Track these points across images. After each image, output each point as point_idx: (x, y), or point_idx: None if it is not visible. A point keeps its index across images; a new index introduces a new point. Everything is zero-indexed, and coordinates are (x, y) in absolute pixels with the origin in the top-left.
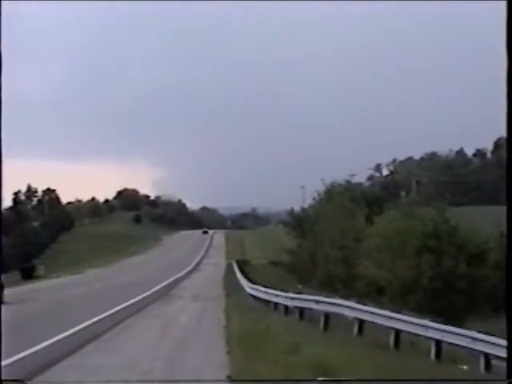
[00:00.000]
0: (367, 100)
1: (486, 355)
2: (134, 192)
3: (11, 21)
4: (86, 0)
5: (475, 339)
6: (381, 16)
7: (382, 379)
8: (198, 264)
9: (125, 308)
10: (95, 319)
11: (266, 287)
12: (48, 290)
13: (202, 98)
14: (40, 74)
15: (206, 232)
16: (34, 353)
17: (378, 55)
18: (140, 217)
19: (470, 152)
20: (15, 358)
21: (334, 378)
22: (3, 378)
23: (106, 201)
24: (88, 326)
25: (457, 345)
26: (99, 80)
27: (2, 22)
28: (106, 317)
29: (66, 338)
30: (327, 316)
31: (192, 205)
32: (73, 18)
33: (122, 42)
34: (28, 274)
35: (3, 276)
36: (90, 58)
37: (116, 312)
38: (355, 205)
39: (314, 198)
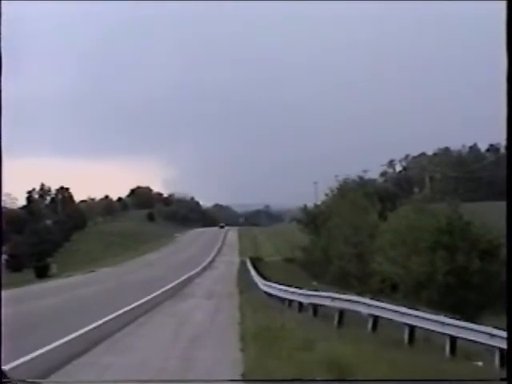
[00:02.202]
0: (380, 96)
1: (502, 351)
2: (147, 190)
3: (25, 21)
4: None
5: (493, 335)
6: (388, 14)
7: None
8: (211, 261)
9: (138, 306)
10: (107, 318)
11: (279, 284)
12: (61, 288)
13: (214, 96)
14: (53, 73)
15: (222, 227)
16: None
17: (389, 50)
18: (153, 215)
19: (483, 147)
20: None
21: (339, 378)
22: (11, 378)
23: (119, 199)
24: (99, 326)
25: (471, 340)
26: (112, 79)
27: (10, 22)
28: (118, 316)
29: (71, 340)
30: (341, 312)
31: (205, 202)
32: (85, 18)
33: (138, 41)
34: (42, 273)
35: (18, 275)
36: (103, 56)
37: (129, 310)
38: (368, 201)
39: (326, 195)
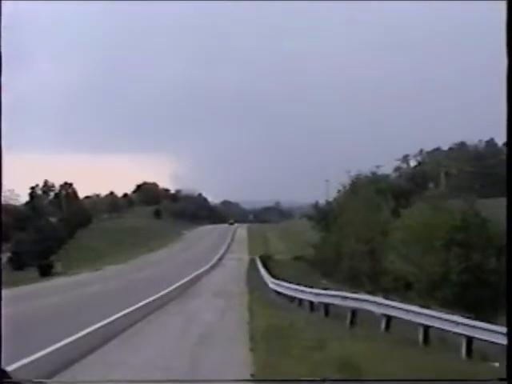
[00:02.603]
0: (393, 89)
1: None
2: (154, 186)
3: (30, 17)
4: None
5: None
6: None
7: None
8: (219, 259)
9: (145, 305)
10: (115, 317)
11: (289, 282)
12: (67, 287)
13: (223, 90)
14: (58, 67)
15: (231, 223)
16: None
17: (403, 44)
18: (160, 211)
19: (500, 142)
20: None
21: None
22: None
23: (125, 195)
24: (110, 323)
25: (487, 341)
26: (119, 73)
27: (14, 21)
28: (126, 314)
29: (76, 339)
30: (354, 312)
31: (213, 199)
32: (92, 16)
33: (146, 37)
34: (46, 271)
35: (21, 273)
36: (110, 51)
37: (136, 309)
38: (381, 197)
39: (338, 191)
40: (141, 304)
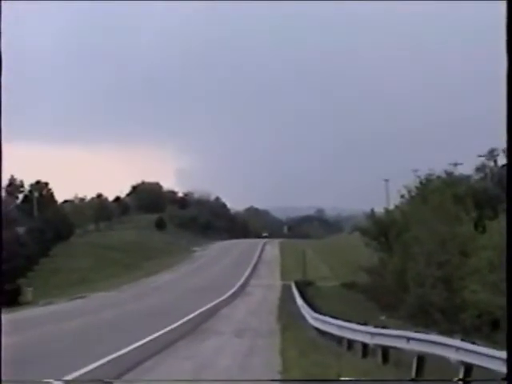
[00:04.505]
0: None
1: None
2: (156, 186)
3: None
4: None
5: None
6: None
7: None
8: (243, 286)
9: (143, 346)
10: (89, 368)
11: (336, 318)
12: (37, 321)
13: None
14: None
15: (264, 237)
16: None
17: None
18: (164, 221)
19: None
20: None
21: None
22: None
23: (117, 198)
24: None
25: None
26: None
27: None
28: (114, 360)
29: None
30: (421, 358)
31: (234, 205)
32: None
33: (144, 21)
34: (11, 299)
35: None
36: (102, 32)
37: (130, 352)
38: (460, 206)
39: (402, 196)
40: (136, 345)
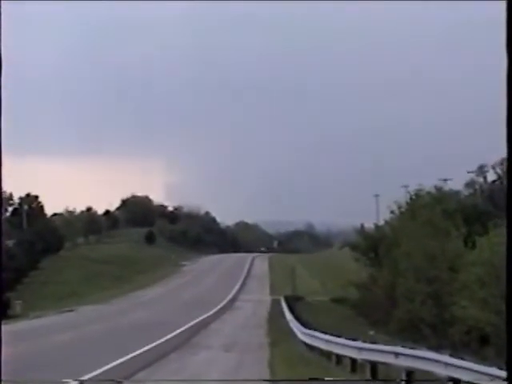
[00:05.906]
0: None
1: None
2: (146, 200)
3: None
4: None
5: None
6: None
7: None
8: (232, 300)
9: (132, 360)
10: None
11: (325, 333)
12: (27, 334)
13: (241, 85)
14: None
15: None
16: None
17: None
18: (154, 234)
19: None
20: None
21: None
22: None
23: (107, 212)
24: None
25: None
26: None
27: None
28: (104, 372)
29: None
30: (410, 374)
31: (224, 219)
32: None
33: (145, 35)
34: (1, 312)
35: None
36: (94, 47)
37: (119, 365)
38: (450, 221)
39: (392, 212)
40: (124, 359)
